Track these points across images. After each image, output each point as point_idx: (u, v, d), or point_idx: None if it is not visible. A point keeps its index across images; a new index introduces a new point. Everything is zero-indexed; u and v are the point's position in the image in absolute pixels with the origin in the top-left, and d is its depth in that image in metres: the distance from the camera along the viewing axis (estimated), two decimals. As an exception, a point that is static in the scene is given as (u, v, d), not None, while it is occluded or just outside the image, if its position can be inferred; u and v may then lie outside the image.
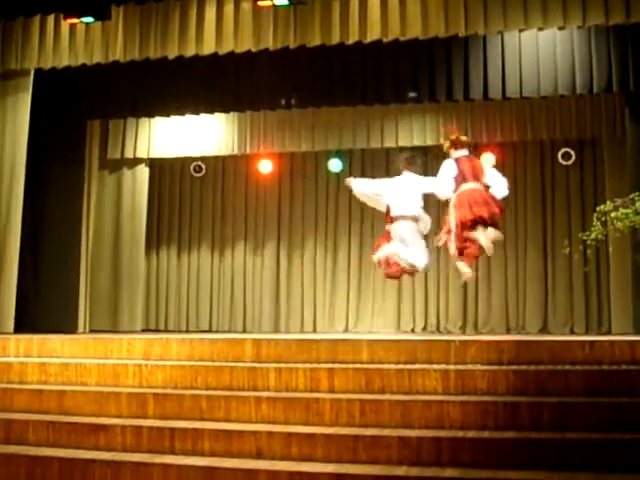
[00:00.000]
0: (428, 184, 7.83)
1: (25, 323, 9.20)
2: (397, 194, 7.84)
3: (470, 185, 7.49)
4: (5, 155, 9.24)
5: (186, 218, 12.20)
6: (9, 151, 9.25)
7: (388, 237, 7.86)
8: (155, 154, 11.24)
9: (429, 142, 10.39)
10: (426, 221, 7.95)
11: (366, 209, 11.51)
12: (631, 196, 7.90)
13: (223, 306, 11.89)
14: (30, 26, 8.96)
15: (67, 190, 10.25)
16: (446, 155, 7.84)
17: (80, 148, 10.50)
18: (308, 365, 6.27)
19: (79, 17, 8.52)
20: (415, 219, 7.80)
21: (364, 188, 8.15)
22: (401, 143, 10.51)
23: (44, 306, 9.81)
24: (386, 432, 5.29)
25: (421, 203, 7.86)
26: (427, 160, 9.87)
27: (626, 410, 5.29)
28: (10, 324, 8.94)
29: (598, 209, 8.04)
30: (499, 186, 7.69)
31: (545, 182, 11.03)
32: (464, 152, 7.73)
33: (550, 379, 5.73)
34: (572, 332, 10.47)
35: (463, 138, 7.81)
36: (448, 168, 7.61)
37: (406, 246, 7.70)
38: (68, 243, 10.22)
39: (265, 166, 11.63)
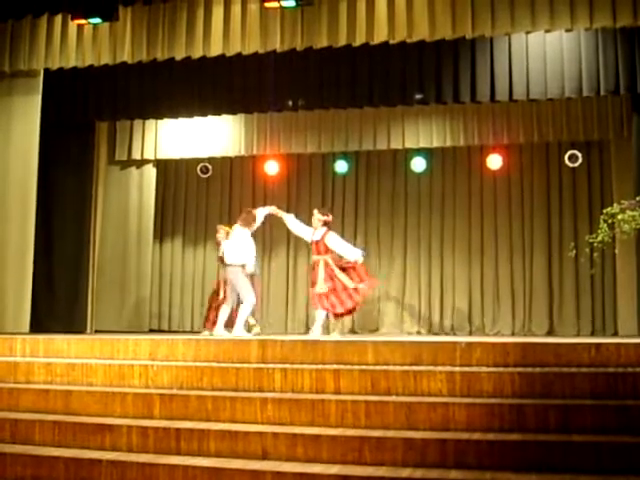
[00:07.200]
0: None
1: (38, 324, 9.25)
2: None
3: None
4: (17, 157, 9.27)
5: (192, 219, 12.23)
6: (20, 152, 9.28)
7: None
8: (162, 155, 11.25)
9: (435, 144, 10.40)
10: None
11: (372, 210, 11.56)
12: (638, 198, 7.87)
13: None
14: (38, 26, 8.98)
15: (76, 192, 10.32)
16: None
17: (89, 150, 10.54)
18: (314, 366, 6.28)
19: (87, 18, 8.53)
20: None
21: None
22: (407, 145, 10.53)
23: (56, 307, 9.86)
24: (391, 434, 5.29)
25: None
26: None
27: (632, 413, 5.28)
28: (26, 325, 9.00)
29: (605, 211, 8.01)
30: None
31: (551, 184, 11.01)
32: None
33: (556, 381, 5.72)
34: (578, 335, 10.45)
35: None
36: None
37: None
38: (77, 244, 10.28)
39: (271, 167, 11.64)
